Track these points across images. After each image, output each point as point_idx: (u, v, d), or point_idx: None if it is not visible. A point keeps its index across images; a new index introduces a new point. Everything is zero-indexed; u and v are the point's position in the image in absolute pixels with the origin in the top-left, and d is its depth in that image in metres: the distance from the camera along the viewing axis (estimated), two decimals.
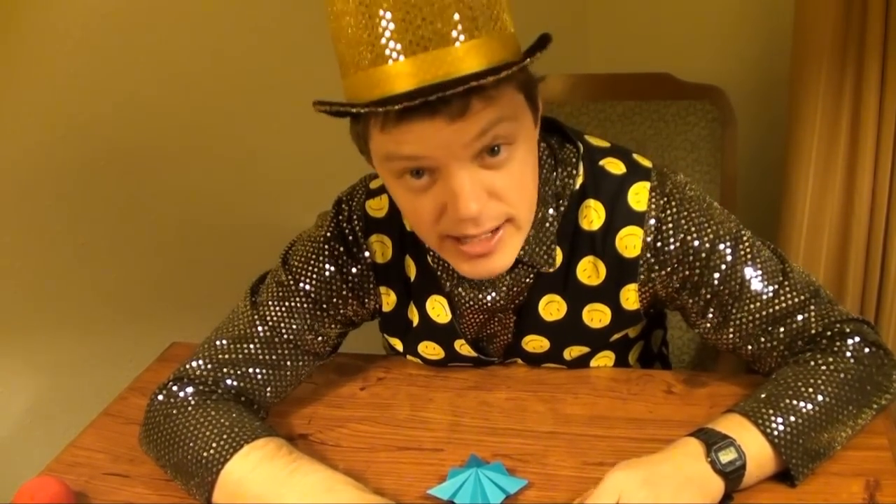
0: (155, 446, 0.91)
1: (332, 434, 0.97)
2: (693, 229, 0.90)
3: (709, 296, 0.91)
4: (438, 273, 0.96)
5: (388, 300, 1.01)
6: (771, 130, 1.63)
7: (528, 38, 0.79)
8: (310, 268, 0.97)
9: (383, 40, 0.71)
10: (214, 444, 0.85)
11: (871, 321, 1.52)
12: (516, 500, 0.84)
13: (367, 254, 0.98)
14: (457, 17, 0.71)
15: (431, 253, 0.94)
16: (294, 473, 0.82)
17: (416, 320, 1.01)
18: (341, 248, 0.98)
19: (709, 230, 0.90)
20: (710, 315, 0.92)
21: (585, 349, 1.00)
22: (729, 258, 0.90)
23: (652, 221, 0.90)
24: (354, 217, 0.98)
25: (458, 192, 0.76)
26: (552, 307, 0.96)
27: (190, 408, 0.90)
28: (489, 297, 0.94)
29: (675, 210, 0.90)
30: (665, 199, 0.91)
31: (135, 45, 1.66)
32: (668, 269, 0.91)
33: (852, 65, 1.39)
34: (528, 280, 0.94)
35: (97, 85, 1.69)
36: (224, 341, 0.96)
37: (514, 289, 0.94)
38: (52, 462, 0.98)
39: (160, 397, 0.93)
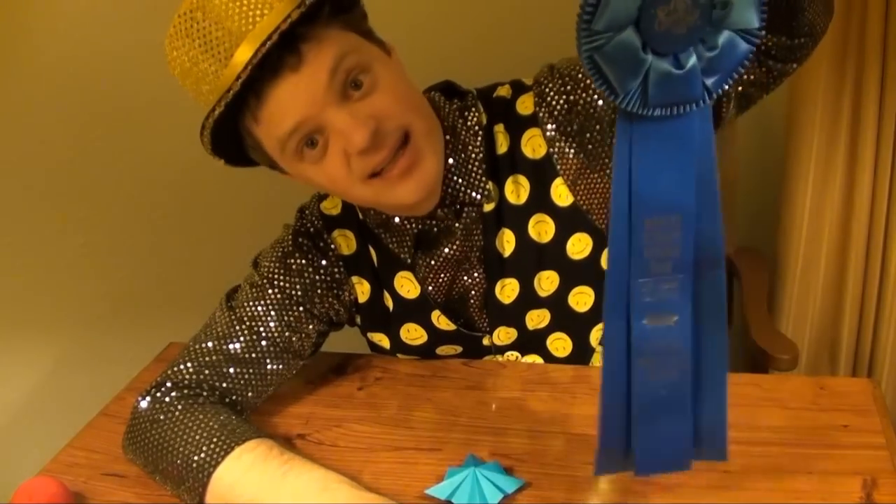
0: (142, 453, 0.91)
1: (330, 434, 0.97)
2: (567, 80, 0.92)
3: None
4: (392, 247, 0.99)
5: (363, 289, 1.03)
6: (771, 130, 1.63)
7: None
8: (281, 265, 1.00)
9: (220, 48, 0.79)
10: (205, 448, 0.85)
11: (872, 321, 1.52)
12: (514, 499, 0.83)
13: (333, 246, 1.02)
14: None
15: (380, 230, 0.99)
16: (288, 474, 0.82)
17: (391, 305, 1.03)
18: (309, 243, 1.01)
19: (580, 70, 0.92)
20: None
21: (554, 277, 0.99)
22: None
23: (542, 114, 0.94)
24: (314, 218, 1.03)
25: (345, 128, 0.81)
26: (504, 240, 0.98)
27: (177, 412, 0.90)
28: (447, 250, 0.98)
29: (551, 85, 0.93)
30: (542, 88, 0.94)
31: (135, 44, 1.67)
32: (572, 135, 0.93)
33: (852, 65, 1.38)
34: (478, 225, 0.97)
35: (97, 85, 1.70)
36: (206, 344, 0.97)
37: (467, 237, 0.97)
38: (50, 462, 0.98)
39: (143, 404, 0.93)
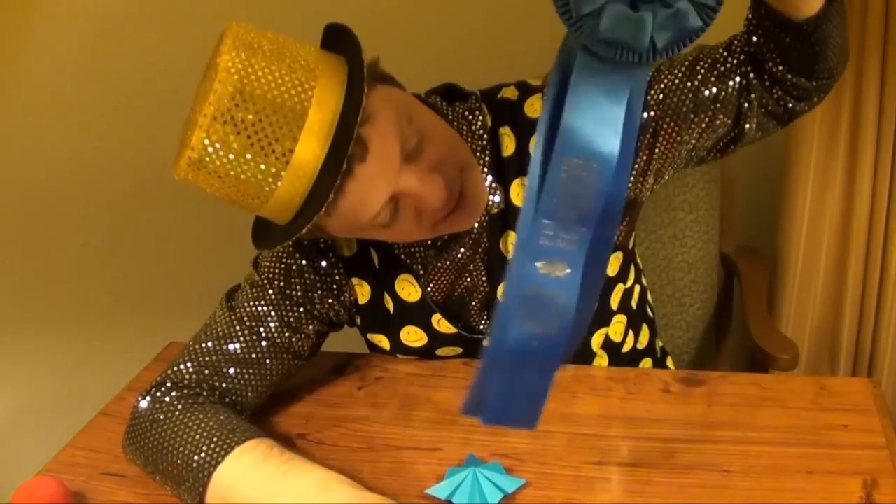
0: (142, 453, 0.90)
1: (330, 434, 0.97)
2: None
3: None
4: (403, 258, 0.99)
5: (363, 291, 1.03)
6: (774, 128, 1.63)
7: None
8: (281, 265, 0.99)
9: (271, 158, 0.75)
10: (205, 448, 0.85)
11: (872, 321, 1.52)
12: (514, 499, 0.84)
13: (333, 248, 1.01)
14: (285, 88, 0.74)
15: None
16: (288, 474, 0.82)
17: (391, 307, 1.03)
18: (309, 244, 1.01)
19: None
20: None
21: None
22: None
23: None
24: None
25: (421, 192, 0.81)
26: (509, 243, 0.98)
27: (177, 412, 0.90)
28: (455, 255, 0.98)
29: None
30: None
31: (135, 45, 1.67)
32: None
33: (852, 65, 1.38)
34: (484, 226, 0.97)
35: (98, 86, 1.70)
36: (206, 344, 0.97)
37: (474, 240, 0.98)
38: (51, 462, 0.98)
39: (143, 403, 0.93)
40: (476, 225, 0.97)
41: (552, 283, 0.63)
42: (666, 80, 0.88)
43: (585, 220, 0.62)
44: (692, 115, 0.89)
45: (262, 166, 0.75)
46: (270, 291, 0.98)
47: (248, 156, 0.74)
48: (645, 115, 0.89)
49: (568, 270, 0.63)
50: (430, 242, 0.98)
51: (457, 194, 0.85)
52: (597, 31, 0.55)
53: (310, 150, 0.75)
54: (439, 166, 0.83)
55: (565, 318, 0.63)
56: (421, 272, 1.00)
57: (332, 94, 0.76)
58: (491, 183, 0.95)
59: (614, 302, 1.05)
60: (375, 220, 0.82)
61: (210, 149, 0.74)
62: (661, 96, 0.88)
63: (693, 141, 0.91)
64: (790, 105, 0.86)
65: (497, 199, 0.96)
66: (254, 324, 0.97)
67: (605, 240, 0.64)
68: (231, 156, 0.74)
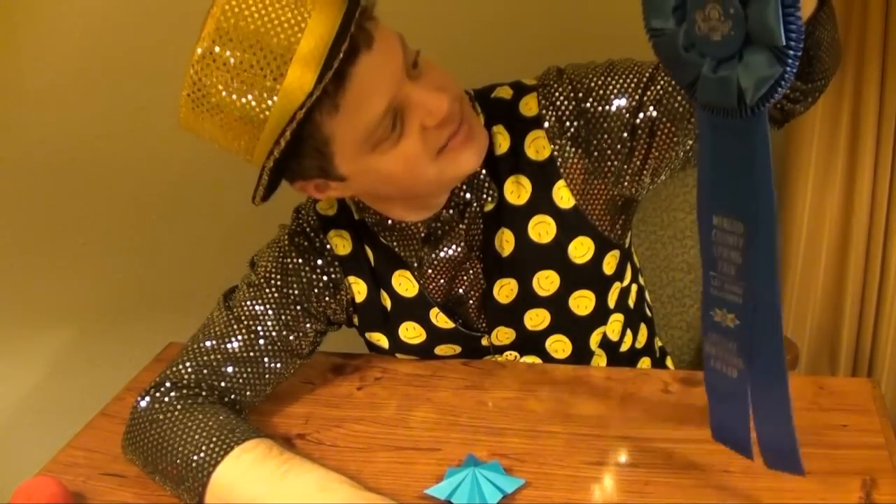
0: (142, 453, 0.90)
1: (329, 434, 0.97)
2: (579, 87, 0.93)
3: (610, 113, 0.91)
4: (398, 251, 1.00)
5: (359, 289, 1.03)
6: (770, 130, 1.63)
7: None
8: (278, 265, 1.00)
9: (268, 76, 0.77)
10: (204, 448, 0.85)
11: (872, 321, 1.52)
12: (513, 499, 0.83)
13: (329, 247, 1.02)
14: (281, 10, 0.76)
15: (385, 234, 0.99)
16: (287, 474, 0.82)
17: (389, 304, 1.03)
18: (305, 243, 1.01)
19: (592, 80, 0.92)
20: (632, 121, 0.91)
21: (555, 277, 0.99)
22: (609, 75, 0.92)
23: (549, 116, 0.94)
24: (311, 218, 1.03)
25: (426, 99, 0.82)
26: (503, 240, 0.98)
27: (176, 412, 0.90)
28: (450, 252, 0.98)
29: (560, 89, 0.93)
30: (549, 89, 0.94)
31: (135, 45, 1.67)
32: (578, 141, 0.93)
33: (852, 65, 1.39)
34: (479, 223, 0.97)
35: (97, 86, 1.70)
36: (204, 343, 0.97)
37: (469, 237, 0.98)
38: (50, 462, 0.98)
39: (143, 403, 0.93)
40: (469, 222, 0.97)
41: (724, 330, 0.67)
42: (663, 82, 0.88)
43: (744, 275, 0.63)
44: (689, 117, 0.89)
45: (266, 60, 0.76)
46: (268, 290, 0.98)
47: (250, 66, 0.76)
48: (642, 114, 0.89)
49: (737, 321, 0.66)
50: (423, 236, 0.98)
51: (458, 116, 0.86)
52: (696, 98, 0.58)
53: (312, 40, 0.76)
54: (443, 89, 0.84)
55: (740, 366, 0.68)
56: (414, 265, 1.00)
57: (332, 5, 0.78)
58: (484, 179, 0.95)
59: (611, 300, 1.05)
60: (380, 127, 0.82)
61: (206, 74, 0.77)
62: (658, 97, 0.88)
63: (689, 142, 0.91)
64: (786, 107, 0.86)
65: (484, 196, 0.96)
66: (251, 323, 0.97)
67: (772, 291, 0.63)
68: (232, 60, 0.77)
